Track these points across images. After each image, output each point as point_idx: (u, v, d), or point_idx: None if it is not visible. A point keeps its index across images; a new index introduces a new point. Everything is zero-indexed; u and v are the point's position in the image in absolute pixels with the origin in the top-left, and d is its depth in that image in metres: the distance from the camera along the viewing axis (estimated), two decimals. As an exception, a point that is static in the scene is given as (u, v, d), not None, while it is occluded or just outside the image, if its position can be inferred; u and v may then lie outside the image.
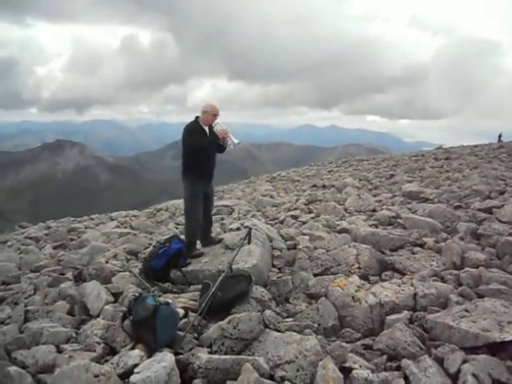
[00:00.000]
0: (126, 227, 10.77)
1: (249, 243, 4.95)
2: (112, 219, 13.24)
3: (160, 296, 4.35)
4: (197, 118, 5.25)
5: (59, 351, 3.56)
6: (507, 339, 2.93)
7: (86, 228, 11.51)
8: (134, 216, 13.39)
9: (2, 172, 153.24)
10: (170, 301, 4.03)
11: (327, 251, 5.06)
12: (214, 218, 10.05)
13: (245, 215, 9.54)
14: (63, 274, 5.80)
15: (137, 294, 3.85)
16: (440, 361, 2.94)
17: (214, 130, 5.19)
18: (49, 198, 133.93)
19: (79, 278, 5.63)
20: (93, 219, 14.35)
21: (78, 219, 14.85)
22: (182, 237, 5.38)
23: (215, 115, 5.22)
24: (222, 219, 9.67)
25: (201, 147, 5.10)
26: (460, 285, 4.17)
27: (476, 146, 25.04)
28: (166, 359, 3.00)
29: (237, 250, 4.45)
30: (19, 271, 6.57)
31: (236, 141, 5.18)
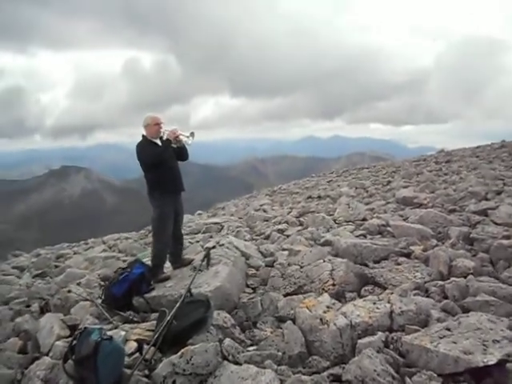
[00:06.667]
0: (114, 250, 10.45)
1: (208, 265, 4.57)
2: (104, 243, 12.91)
3: (117, 327, 3.97)
4: (143, 136, 4.99)
5: (-3, 398, 3.20)
6: (491, 363, 2.51)
7: (74, 254, 11.19)
8: (126, 238, 13.06)
9: (11, 201, 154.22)
10: (122, 333, 3.67)
11: (301, 267, 4.65)
12: (202, 236, 9.72)
13: (233, 232, 9.16)
14: (29, 306, 5.43)
15: (82, 328, 3.47)
16: (415, 392, 2.53)
17: (164, 138, 4.91)
18: (57, 224, 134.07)
19: (45, 310, 5.26)
20: (87, 243, 14.04)
21: (73, 244, 14.57)
22: (146, 260, 5.02)
23: (158, 124, 4.96)
24: (211, 237, 9.29)
25: (157, 158, 4.82)
26: (446, 298, 3.76)
27: (478, 147, 24.53)
28: (100, 405, 2.63)
29: (195, 273, 4.07)
30: (-10, 304, 6.22)
31: (187, 134, 4.97)
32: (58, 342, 3.84)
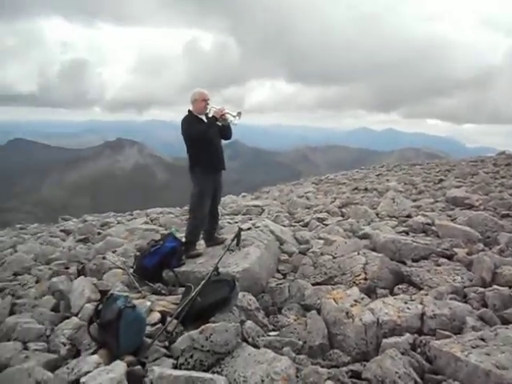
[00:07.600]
0: (155, 224, 10.67)
1: (237, 245, 4.52)
2: (147, 215, 13.24)
3: (144, 297, 4.04)
4: (189, 111, 4.95)
5: (26, 349, 3.33)
6: (525, 381, 2.31)
7: (118, 223, 11.54)
8: (169, 213, 13.33)
9: (66, 169, 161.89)
10: (148, 303, 3.72)
11: (334, 258, 4.51)
12: (241, 217, 9.73)
13: (272, 216, 9.10)
14: (68, 268, 5.65)
15: (109, 294, 3.54)
16: (438, 401, 2.38)
17: (210, 115, 4.85)
18: (109, 194, 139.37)
19: (82, 273, 5.46)
20: (132, 214, 14.47)
21: (119, 214, 15.05)
22: (181, 235, 5.05)
23: (205, 100, 4.91)
24: (250, 219, 9.28)
25: (201, 134, 4.79)
26: (485, 306, 3.51)
27: (544, 153, 22.96)
28: (116, 370, 2.66)
29: (224, 252, 4.03)
30: (34, 262, 6.53)
31: (234, 113, 4.86)
32: (87, 305, 3.96)
